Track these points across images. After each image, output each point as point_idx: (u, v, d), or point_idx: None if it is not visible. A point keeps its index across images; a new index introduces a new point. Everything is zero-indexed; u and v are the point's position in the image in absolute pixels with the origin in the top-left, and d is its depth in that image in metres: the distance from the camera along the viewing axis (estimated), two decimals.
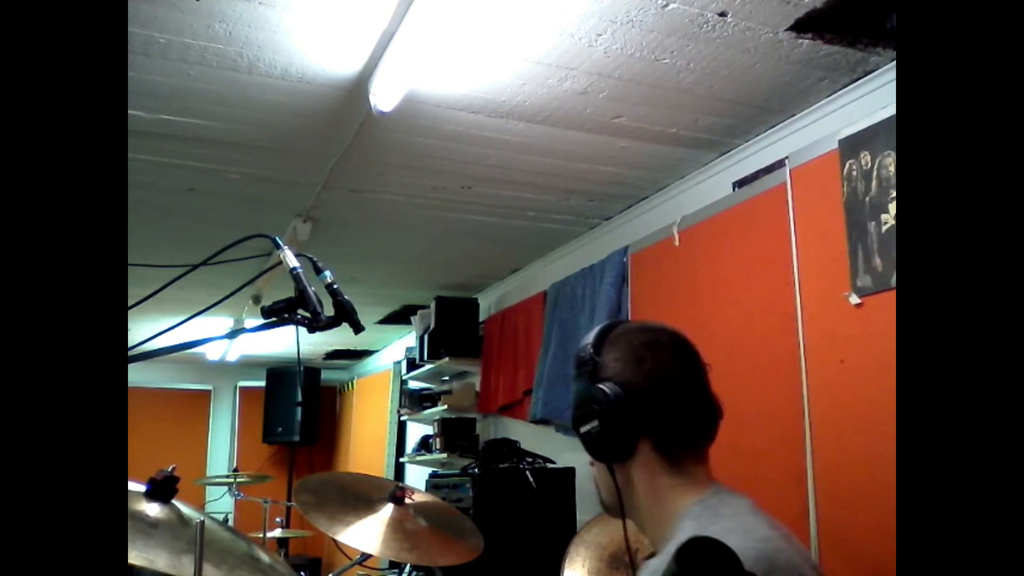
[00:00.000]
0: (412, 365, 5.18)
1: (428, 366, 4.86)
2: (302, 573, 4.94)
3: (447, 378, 5.14)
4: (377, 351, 7.22)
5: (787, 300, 2.32)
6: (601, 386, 1.11)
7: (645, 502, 1.13)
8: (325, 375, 7.68)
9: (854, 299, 2.09)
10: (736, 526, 1.02)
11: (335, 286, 1.41)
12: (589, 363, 1.15)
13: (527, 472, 3.10)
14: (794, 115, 2.48)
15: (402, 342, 6.19)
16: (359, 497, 2.23)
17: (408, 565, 3.14)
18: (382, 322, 5.82)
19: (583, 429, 1.13)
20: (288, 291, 1.35)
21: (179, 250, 3.89)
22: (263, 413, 7.36)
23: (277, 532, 4.84)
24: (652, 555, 1.15)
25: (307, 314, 1.31)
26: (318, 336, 1.40)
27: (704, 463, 1.14)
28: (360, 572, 4.07)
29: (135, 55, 2.10)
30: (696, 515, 1.07)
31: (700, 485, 1.11)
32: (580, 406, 1.13)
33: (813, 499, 2.16)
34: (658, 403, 1.11)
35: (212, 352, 6.57)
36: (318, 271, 1.42)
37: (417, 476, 5.29)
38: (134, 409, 6.31)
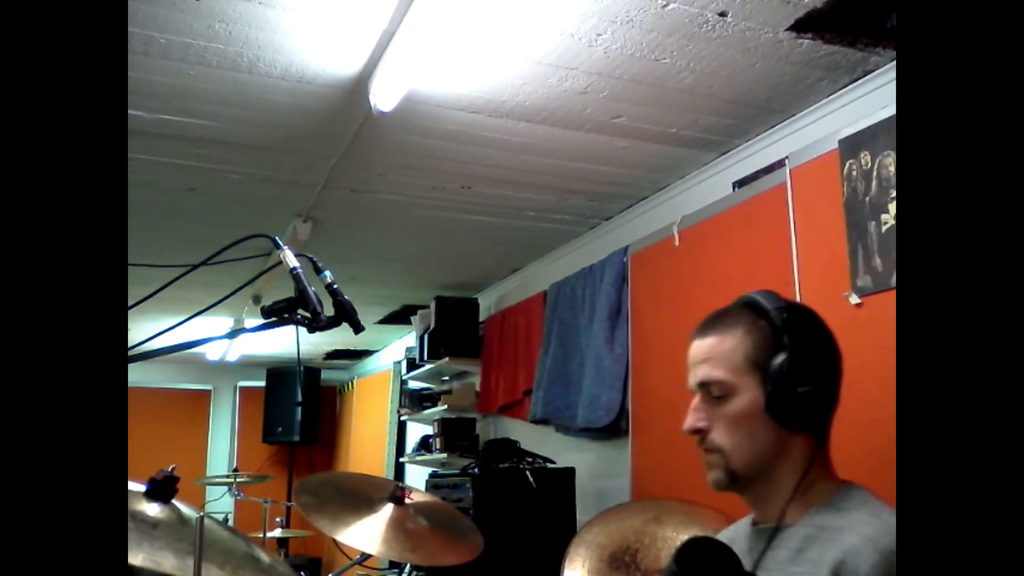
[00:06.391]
0: (412, 365, 5.18)
1: (428, 366, 4.86)
2: (302, 573, 4.94)
3: (447, 378, 5.14)
4: (377, 351, 7.22)
5: None
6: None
7: (790, 476, 1.15)
8: (325, 375, 7.68)
9: (854, 299, 2.09)
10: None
11: (335, 286, 1.41)
12: (805, 326, 1.17)
13: (527, 472, 3.10)
14: (794, 115, 2.48)
15: (402, 342, 6.19)
16: (359, 497, 2.23)
17: (408, 565, 3.15)
18: (382, 322, 5.81)
19: (799, 387, 1.13)
20: (288, 291, 1.36)
21: (179, 250, 3.89)
22: (263, 413, 7.36)
23: (277, 532, 4.83)
24: (756, 523, 1.20)
25: (307, 314, 1.31)
26: (318, 336, 1.40)
27: None
28: (360, 572, 4.07)
29: (135, 55, 2.11)
30: (865, 495, 1.13)
31: (835, 473, 1.19)
32: (807, 360, 1.14)
33: None
34: (834, 394, 1.19)
35: (212, 352, 6.57)
36: (318, 271, 1.42)
37: (417, 476, 5.28)
38: (134, 409, 6.29)
